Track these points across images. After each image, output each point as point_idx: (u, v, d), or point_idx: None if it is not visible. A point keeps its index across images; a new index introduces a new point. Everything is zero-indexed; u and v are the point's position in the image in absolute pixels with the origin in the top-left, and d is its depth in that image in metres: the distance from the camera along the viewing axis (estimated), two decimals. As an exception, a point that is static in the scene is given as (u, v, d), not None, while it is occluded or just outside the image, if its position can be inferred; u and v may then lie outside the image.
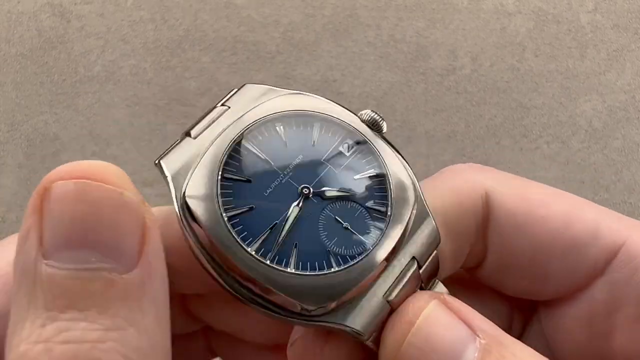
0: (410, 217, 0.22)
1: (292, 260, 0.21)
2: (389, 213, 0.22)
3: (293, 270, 0.21)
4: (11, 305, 0.18)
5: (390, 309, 0.21)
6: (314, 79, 0.64)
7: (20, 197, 0.56)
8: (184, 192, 0.21)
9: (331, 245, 0.21)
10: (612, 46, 0.64)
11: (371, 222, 0.22)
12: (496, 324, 0.21)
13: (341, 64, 0.64)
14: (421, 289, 0.23)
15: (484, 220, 0.25)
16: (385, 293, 0.21)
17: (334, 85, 0.64)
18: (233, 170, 0.22)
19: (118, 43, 0.64)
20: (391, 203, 0.22)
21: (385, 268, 0.22)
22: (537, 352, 0.21)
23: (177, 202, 0.21)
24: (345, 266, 0.21)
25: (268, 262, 0.20)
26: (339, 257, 0.21)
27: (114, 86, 0.61)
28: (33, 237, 0.18)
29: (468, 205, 0.24)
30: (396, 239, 0.22)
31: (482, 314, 0.21)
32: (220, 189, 0.21)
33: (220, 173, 0.22)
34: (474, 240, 0.25)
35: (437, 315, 0.20)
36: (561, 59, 0.64)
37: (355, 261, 0.21)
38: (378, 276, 0.21)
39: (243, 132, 0.23)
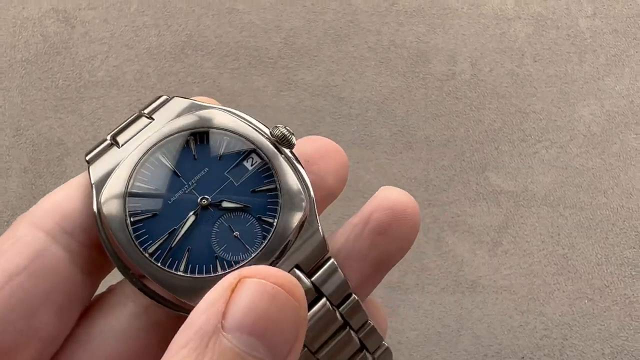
0: (293, 229, 0.24)
1: (183, 263, 0.24)
2: (275, 224, 0.24)
3: (181, 273, 0.24)
4: (171, 343, 0.21)
5: None
6: (315, 84, 0.64)
7: (26, 201, 0.57)
8: (100, 200, 0.24)
9: (220, 251, 0.24)
10: (611, 51, 0.65)
11: (260, 232, 0.24)
12: None
13: (342, 69, 0.65)
14: (320, 294, 0.25)
15: None
16: None
17: (335, 90, 0.64)
18: (144, 179, 0.25)
19: (122, 48, 0.65)
20: (279, 216, 0.24)
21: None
22: None
23: (95, 206, 0.24)
24: (229, 270, 0.23)
25: (159, 264, 0.24)
26: (224, 262, 0.24)
27: (118, 91, 0.62)
28: (220, 306, 0.20)
29: None
30: (278, 249, 0.24)
31: None
32: (129, 196, 0.24)
33: (131, 182, 0.24)
34: None
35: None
36: (560, 64, 0.64)
37: (237, 266, 0.24)
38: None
39: (158, 144, 0.25)
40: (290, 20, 0.67)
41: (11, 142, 0.59)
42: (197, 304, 0.22)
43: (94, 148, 0.25)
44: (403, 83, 0.65)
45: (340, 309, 0.25)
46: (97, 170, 0.25)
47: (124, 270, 0.24)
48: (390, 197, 0.25)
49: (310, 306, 0.24)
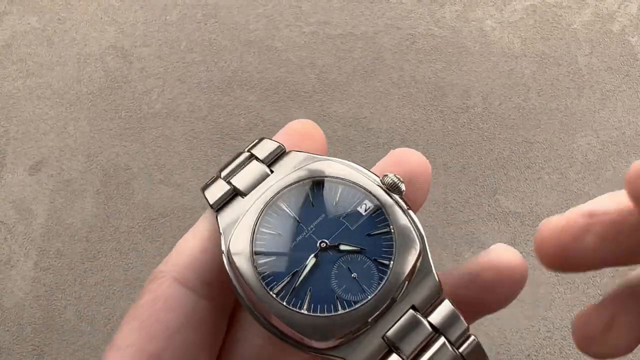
0: (408, 271, 0.26)
1: (306, 302, 0.25)
2: (390, 266, 0.26)
3: (305, 312, 0.25)
4: None
5: (388, 346, 0.25)
6: (346, 115, 0.73)
7: (100, 219, 0.65)
8: (228, 247, 0.26)
9: (339, 292, 0.25)
10: (606, 87, 0.73)
11: (376, 273, 0.26)
12: None
13: (369, 102, 0.73)
14: (437, 332, 0.26)
15: None
16: (384, 333, 0.25)
17: (363, 122, 0.73)
18: (268, 225, 0.26)
19: (175, 83, 0.73)
20: (394, 258, 0.26)
21: (385, 313, 0.25)
22: None
23: (224, 254, 0.26)
24: (349, 310, 0.25)
25: (284, 303, 0.25)
26: (344, 302, 0.25)
27: (174, 122, 0.70)
28: None
29: None
30: (394, 290, 0.25)
31: None
32: (256, 241, 0.26)
33: (257, 227, 0.26)
34: None
35: None
36: (561, 99, 0.73)
37: (356, 306, 0.25)
38: (377, 319, 0.25)
39: (279, 193, 0.27)
40: (322, 58, 0.75)
41: (84, 167, 0.67)
42: (316, 341, 0.24)
43: (219, 195, 0.27)
44: (423, 115, 0.73)
45: (460, 350, 0.25)
46: (225, 218, 0.27)
47: (251, 310, 0.25)
48: (502, 257, 0.25)
49: (428, 346, 0.25)
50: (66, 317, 0.60)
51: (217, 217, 0.27)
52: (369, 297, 0.25)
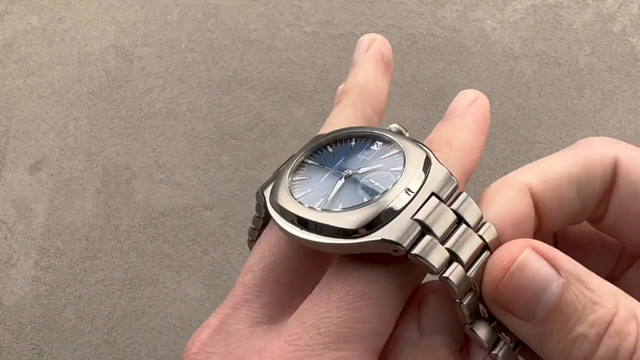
0: (420, 167, 0.30)
1: (339, 207, 0.30)
2: (404, 169, 0.30)
3: (339, 209, 0.29)
4: None
5: (420, 226, 0.29)
6: (346, 115, 0.73)
7: (101, 218, 0.65)
8: (270, 196, 0.31)
9: (366, 196, 0.30)
10: (607, 87, 0.73)
11: (393, 177, 0.30)
12: (598, 273, 0.26)
13: (370, 102, 0.73)
14: (461, 221, 0.30)
15: (610, 185, 0.32)
16: (413, 215, 0.29)
17: (363, 121, 0.73)
18: (299, 175, 0.32)
19: (176, 82, 0.73)
20: (406, 163, 0.30)
21: (409, 201, 0.29)
22: (617, 287, 0.25)
23: (269, 204, 0.31)
24: (375, 199, 0.29)
25: (321, 209, 0.30)
26: (368, 198, 0.30)
27: (175, 121, 0.70)
28: None
29: (597, 172, 0.31)
30: (409, 181, 0.30)
31: (584, 261, 0.26)
32: (290, 187, 0.31)
33: (290, 179, 0.31)
34: (599, 202, 0.30)
35: (528, 260, 0.26)
36: (561, 99, 0.73)
37: (380, 195, 0.29)
38: (402, 207, 0.29)
39: (304, 154, 0.32)
40: (323, 57, 0.75)
41: (84, 166, 0.67)
42: (349, 226, 0.28)
43: (267, 179, 0.33)
44: (424, 115, 0.73)
45: (479, 233, 0.29)
46: (268, 190, 0.32)
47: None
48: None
49: (454, 230, 0.29)
50: (66, 316, 0.60)
51: (262, 192, 0.32)
52: (389, 188, 0.29)
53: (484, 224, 0.29)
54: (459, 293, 0.28)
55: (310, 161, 0.33)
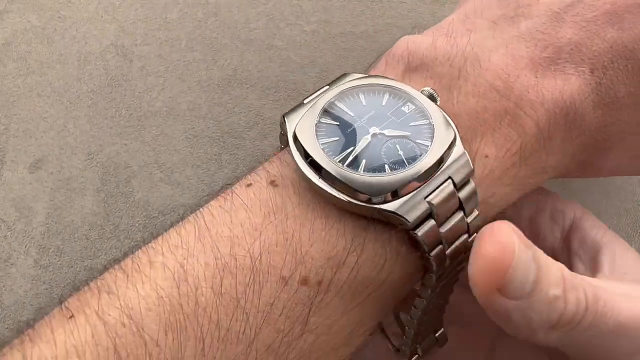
0: (444, 150, 0.32)
1: (361, 167, 0.32)
2: (430, 146, 0.32)
3: (361, 173, 0.31)
4: None
5: (430, 209, 0.31)
6: (346, 114, 0.73)
7: (100, 217, 0.65)
8: (294, 131, 0.33)
9: (388, 162, 0.32)
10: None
11: (418, 150, 0.32)
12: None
13: (370, 101, 0.73)
14: (461, 210, 0.32)
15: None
16: (426, 197, 0.31)
17: (363, 120, 0.73)
18: (327, 118, 0.33)
19: (175, 81, 0.73)
20: (433, 139, 0.32)
21: (426, 181, 0.31)
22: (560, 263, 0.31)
23: (290, 137, 0.33)
24: (394, 173, 0.31)
25: (344, 166, 0.31)
26: (391, 167, 0.32)
27: (174, 120, 0.70)
28: None
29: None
30: (432, 161, 0.31)
31: None
32: (317, 128, 0.33)
33: (318, 119, 0.33)
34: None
35: (519, 254, 0.30)
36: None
37: (401, 171, 0.31)
38: (419, 184, 0.31)
39: (336, 95, 0.34)
40: (323, 57, 0.75)
41: (84, 165, 0.67)
42: (369, 195, 0.30)
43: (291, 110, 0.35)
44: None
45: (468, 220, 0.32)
46: (290, 119, 0.34)
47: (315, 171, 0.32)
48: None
49: (453, 215, 0.32)
50: (66, 315, 0.60)
51: (284, 118, 0.34)
52: (412, 163, 0.31)
53: (473, 210, 0.32)
54: (437, 271, 0.32)
55: (340, 105, 0.34)
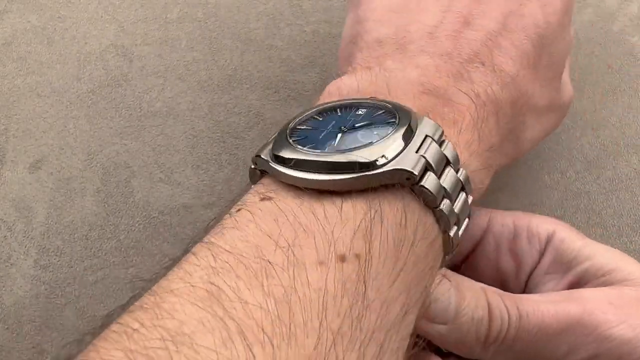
0: (412, 117, 0.35)
1: (349, 147, 0.34)
2: (396, 120, 0.35)
3: (352, 151, 0.34)
4: None
5: (425, 162, 0.33)
6: (346, 114, 0.73)
7: (100, 217, 0.65)
8: (272, 152, 0.37)
9: (373, 139, 0.34)
10: (606, 86, 0.73)
11: (390, 127, 0.35)
12: None
13: (370, 101, 0.74)
14: (448, 164, 0.35)
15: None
16: (417, 150, 0.34)
17: (363, 120, 0.73)
18: (295, 136, 0.36)
19: (175, 81, 0.73)
20: (397, 115, 0.35)
21: (408, 140, 0.34)
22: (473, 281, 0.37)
23: (269, 158, 0.36)
24: (381, 140, 0.34)
25: (334, 150, 0.34)
26: (375, 140, 0.34)
27: (174, 120, 0.70)
28: None
29: None
30: (406, 124, 0.34)
31: None
32: (291, 140, 0.36)
33: (288, 138, 0.37)
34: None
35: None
36: (561, 98, 0.73)
37: (383, 138, 0.34)
38: (404, 145, 0.34)
39: (295, 123, 0.38)
40: (323, 57, 0.75)
41: (84, 165, 0.67)
42: (370, 158, 0.33)
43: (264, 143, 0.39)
44: (423, 114, 0.73)
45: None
46: (262, 150, 0.38)
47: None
48: None
49: (444, 170, 0.35)
50: (66, 315, 0.60)
51: (257, 156, 0.38)
52: (389, 132, 0.34)
53: (459, 169, 0.36)
54: (451, 223, 0.34)
55: (301, 126, 0.37)
